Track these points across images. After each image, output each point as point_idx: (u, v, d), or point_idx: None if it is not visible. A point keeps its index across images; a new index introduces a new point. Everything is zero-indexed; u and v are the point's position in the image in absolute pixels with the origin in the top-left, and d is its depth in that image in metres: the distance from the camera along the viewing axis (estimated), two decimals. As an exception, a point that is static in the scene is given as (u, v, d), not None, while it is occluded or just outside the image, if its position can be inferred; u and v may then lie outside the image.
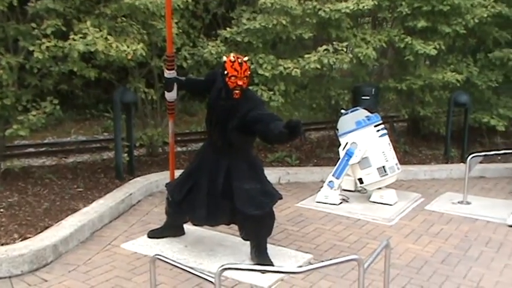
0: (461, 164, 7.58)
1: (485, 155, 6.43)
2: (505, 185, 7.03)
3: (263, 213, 4.10)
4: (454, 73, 7.90)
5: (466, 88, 8.35)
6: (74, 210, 5.01)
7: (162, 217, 4.85)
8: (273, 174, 6.51)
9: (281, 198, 4.29)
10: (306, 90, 8.02)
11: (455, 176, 7.38)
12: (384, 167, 5.85)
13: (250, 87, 6.41)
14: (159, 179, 6.12)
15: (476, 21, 7.85)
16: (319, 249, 4.66)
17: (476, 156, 6.22)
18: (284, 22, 6.68)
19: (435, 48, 7.58)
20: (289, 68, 6.65)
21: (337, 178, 5.96)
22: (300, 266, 4.15)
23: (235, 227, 4.38)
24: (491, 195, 6.60)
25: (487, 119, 8.29)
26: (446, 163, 7.93)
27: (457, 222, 5.51)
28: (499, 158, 7.77)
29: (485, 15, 7.83)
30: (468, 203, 6.09)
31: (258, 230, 4.18)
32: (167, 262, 3.13)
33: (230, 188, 4.12)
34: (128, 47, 5.67)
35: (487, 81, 8.46)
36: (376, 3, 7.31)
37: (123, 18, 6.13)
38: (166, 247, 4.48)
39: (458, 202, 6.13)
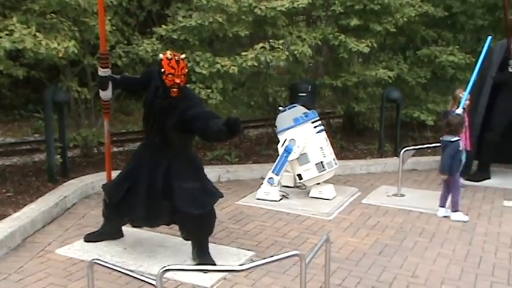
0: (395, 157, 7.84)
1: (416, 149, 6.68)
2: (435, 176, 7.31)
3: (204, 213, 4.05)
4: (386, 70, 8.16)
5: (397, 84, 8.64)
6: (3, 216, 4.74)
7: (99, 220, 4.69)
8: (212, 173, 6.47)
9: (222, 196, 4.25)
10: (244, 88, 8.02)
11: (389, 170, 7.62)
12: (322, 162, 5.95)
13: (188, 85, 6.35)
14: (95, 181, 5.92)
15: (405, 20, 8.14)
16: (261, 246, 4.66)
17: (409, 150, 6.44)
18: (220, 20, 6.64)
19: (368, 46, 7.79)
20: (227, 65, 6.62)
21: (277, 175, 5.99)
22: (242, 264, 4.13)
23: (176, 227, 4.31)
24: (423, 187, 6.87)
25: (417, 114, 8.60)
26: (381, 157, 8.17)
27: (392, 214, 5.68)
28: (429, 151, 8.08)
29: (413, 15, 8.14)
30: (402, 196, 6.29)
31: (199, 230, 4.13)
32: (105, 266, 3.02)
33: (170, 188, 4.04)
34: (59, 44, 5.43)
35: (417, 78, 8.80)
36: (311, 1, 7.41)
37: (52, 14, 5.87)
38: (104, 251, 4.33)
39: (393, 195, 6.32)
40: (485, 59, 6.69)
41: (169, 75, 3.87)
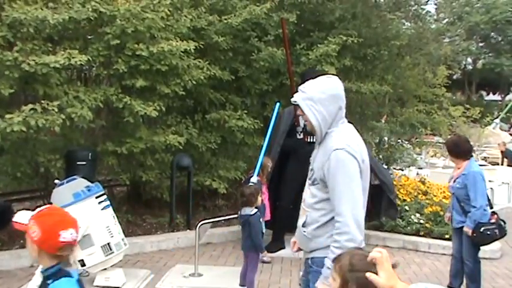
0: (188, 231, 7.76)
1: (213, 221, 6.68)
2: (232, 249, 7.42)
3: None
4: (175, 135, 8.12)
5: (186, 150, 8.66)
6: None
7: None
8: (-35, 266, 5.53)
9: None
10: (7, 156, 7.16)
11: (182, 245, 7.48)
12: (109, 244, 5.55)
13: None
14: None
15: (194, 82, 8.30)
16: None
17: (205, 223, 6.40)
18: (-23, 75, 5.90)
19: (156, 109, 7.69)
20: (-15, 131, 5.85)
21: (53, 263, 5.34)
22: None
23: None
24: (221, 263, 6.86)
25: (209, 181, 8.68)
26: (173, 231, 7.99)
27: (191, 298, 5.49)
28: (223, 221, 8.19)
29: (202, 77, 8.36)
30: (200, 275, 6.18)
31: None
32: None
33: None
34: None
35: (207, 143, 8.96)
36: (90, 59, 7.08)
37: None
38: None
39: (190, 275, 6.17)
40: (276, 125, 7.16)
41: None
